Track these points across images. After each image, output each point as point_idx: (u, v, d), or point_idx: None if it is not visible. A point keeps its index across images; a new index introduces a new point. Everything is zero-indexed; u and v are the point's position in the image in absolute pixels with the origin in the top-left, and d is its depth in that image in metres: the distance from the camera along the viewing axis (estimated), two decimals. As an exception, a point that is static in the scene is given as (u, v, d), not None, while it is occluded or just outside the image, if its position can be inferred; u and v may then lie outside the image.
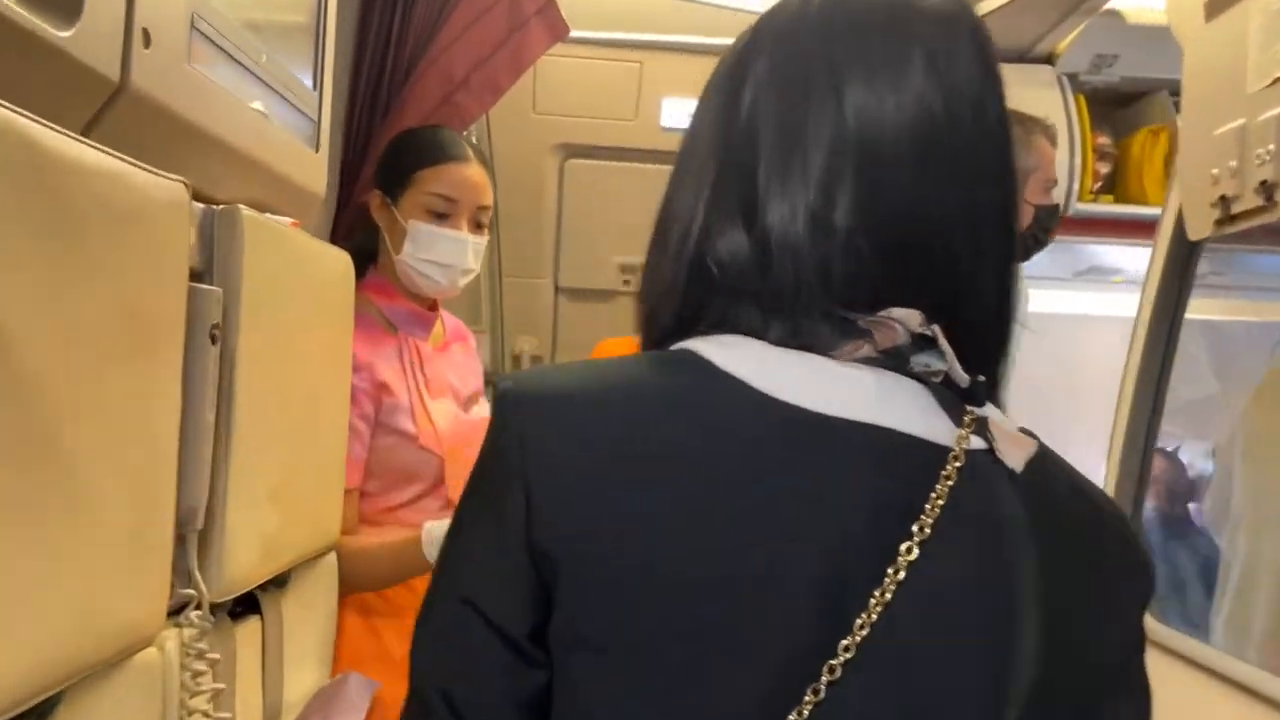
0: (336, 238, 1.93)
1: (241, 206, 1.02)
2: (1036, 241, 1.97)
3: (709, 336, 0.63)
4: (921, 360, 0.60)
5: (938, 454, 0.58)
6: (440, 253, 1.63)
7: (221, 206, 1.01)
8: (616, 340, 2.51)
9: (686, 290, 0.66)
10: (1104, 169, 2.68)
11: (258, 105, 1.13)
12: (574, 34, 2.87)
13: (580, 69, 2.86)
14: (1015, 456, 0.59)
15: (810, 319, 0.61)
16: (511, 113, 2.97)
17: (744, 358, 0.60)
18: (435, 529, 1.49)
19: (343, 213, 1.92)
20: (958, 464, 0.58)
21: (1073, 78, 2.72)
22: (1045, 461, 0.62)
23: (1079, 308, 3.55)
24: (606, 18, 2.68)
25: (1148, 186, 2.65)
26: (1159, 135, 2.65)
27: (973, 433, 0.60)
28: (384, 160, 1.74)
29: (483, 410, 1.81)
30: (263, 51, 1.14)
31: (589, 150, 3.09)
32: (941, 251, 0.62)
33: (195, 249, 0.97)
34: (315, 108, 1.34)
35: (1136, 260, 3.05)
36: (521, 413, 0.60)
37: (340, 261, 1.38)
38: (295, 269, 1.19)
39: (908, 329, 0.60)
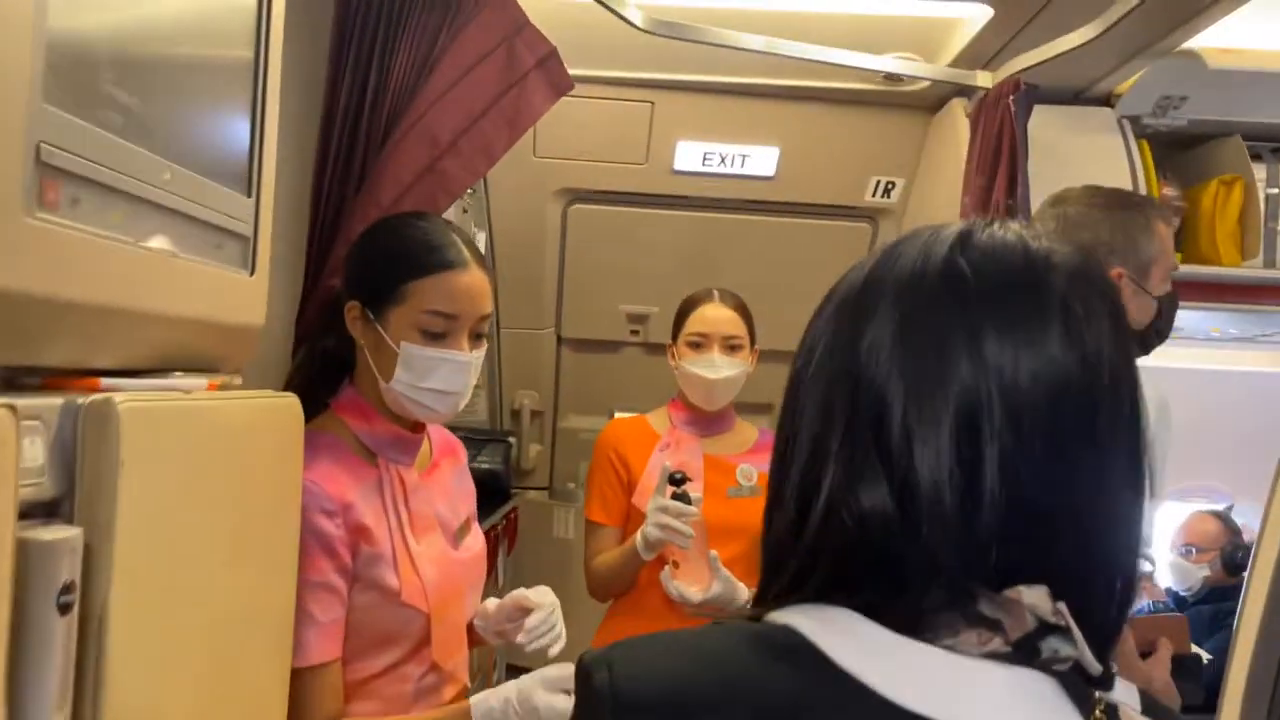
0: (301, 334, 1.65)
1: (116, 398, 0.74)
2: (1158, 334, 1.69)
3: (814, 610, 0.59)
4: (1050, 646, 0.55)
5: None
6: (440, 379, 1.35)
7: (88, 400, 0.73)
8: (629, 419, 2.24)
9: (815, 542, 0.60)
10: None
11: (158, 242, 0.85)
12: (580, 72, 2.60)
13: (587, 109, 2.59)
14: None
15: (938, 596, 0.56)
16: (511, 157, 2.68)
17: (862, 650, 0.56)
18: (484, 703, 1.32)
19: (309, 301, 1.65)
20: None
21: (1134, 120, 2.44)
22: None
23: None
24: (616, 54, 2.42)
25: (1220, 244, 2.37)
26: (1232, 186, 2.37)
27: None
28: (362, 261, 1.45)
29: (476, 541, 1.53)
30: (165, 167, 0.87)
31: (595, 195, 2.82)
32: (1071, 520, 0.57)
33: (46, 471, 0.69)
34: (250, 218, 1.07)
35: (1197, 320, 2.77)
36: None
37: (282, 413, 1.10)
38: (208, 450, 0.91)
39: (1037, 615, 0.55)
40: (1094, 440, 0.57)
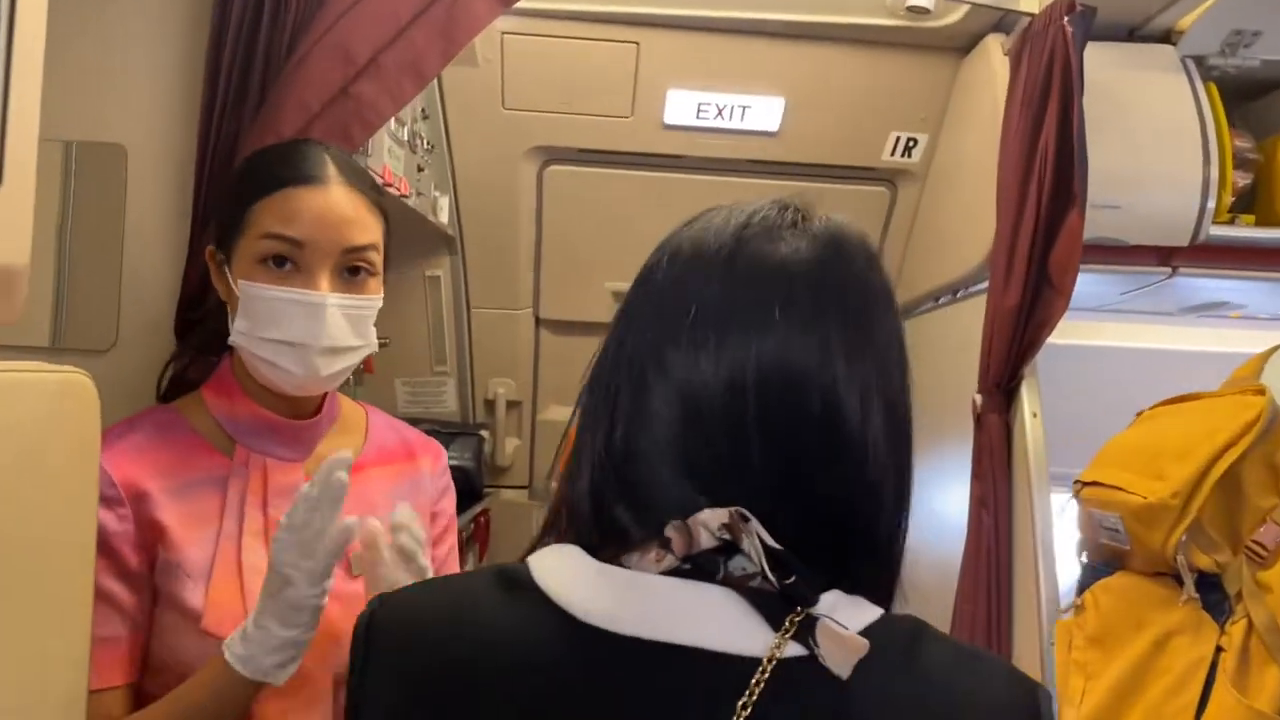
0: (184, 300, 1.33)
1: None
2: None
3: (555, 550, 0.66)
4: (738, 564, 0.61)
5: (746, 668, 0.58)
6: (284, 326, 1.03)
7: None
8: None
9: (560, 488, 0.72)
10: (1242, 180, 2.04)
11: None
12: (553, 6, 2.26)
13: (562, 52, 2.25)
14: (840, 661, 0.58)
15: (621, 519, 0.64)
16: (474, 109, 2.35)
17: (565, 579, 0.63)
18: (235, 642, 0.98)
19: (193, 260, 1.32)
20: (765, 676, 0.58)
21: (1199, 61, 2.09)
22: (890, 657, 0.60)
23: (1180, 344, 2.92)
24: (592, -15, 2.09)
25: (1300, 204, 2.03)
26: (1315, 137, 2.03)
27: (792, 638, 0.59)
28: (216, 195, 1.13)
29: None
30: None
31: (574, 155, 2.47)
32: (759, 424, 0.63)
33: None
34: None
35: (1264, 295, 2.41)
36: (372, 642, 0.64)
37: (64, 394, 0.77)
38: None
39: (711, 531, 0.60)
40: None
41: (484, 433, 2.79)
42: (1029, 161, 1.79)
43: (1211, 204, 1.96)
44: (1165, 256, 2.03)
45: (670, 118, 2.36)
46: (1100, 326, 2.75)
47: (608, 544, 0.64)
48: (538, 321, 2.78)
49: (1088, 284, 1.98)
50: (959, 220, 2.26)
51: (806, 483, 0.62)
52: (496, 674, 0.60)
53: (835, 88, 2.34)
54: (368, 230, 1.08)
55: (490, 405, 2.86)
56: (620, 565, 0.63)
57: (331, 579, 0.98)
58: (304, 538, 0.95)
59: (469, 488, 2.73)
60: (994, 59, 2.09)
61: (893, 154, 2.45)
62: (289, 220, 1.02)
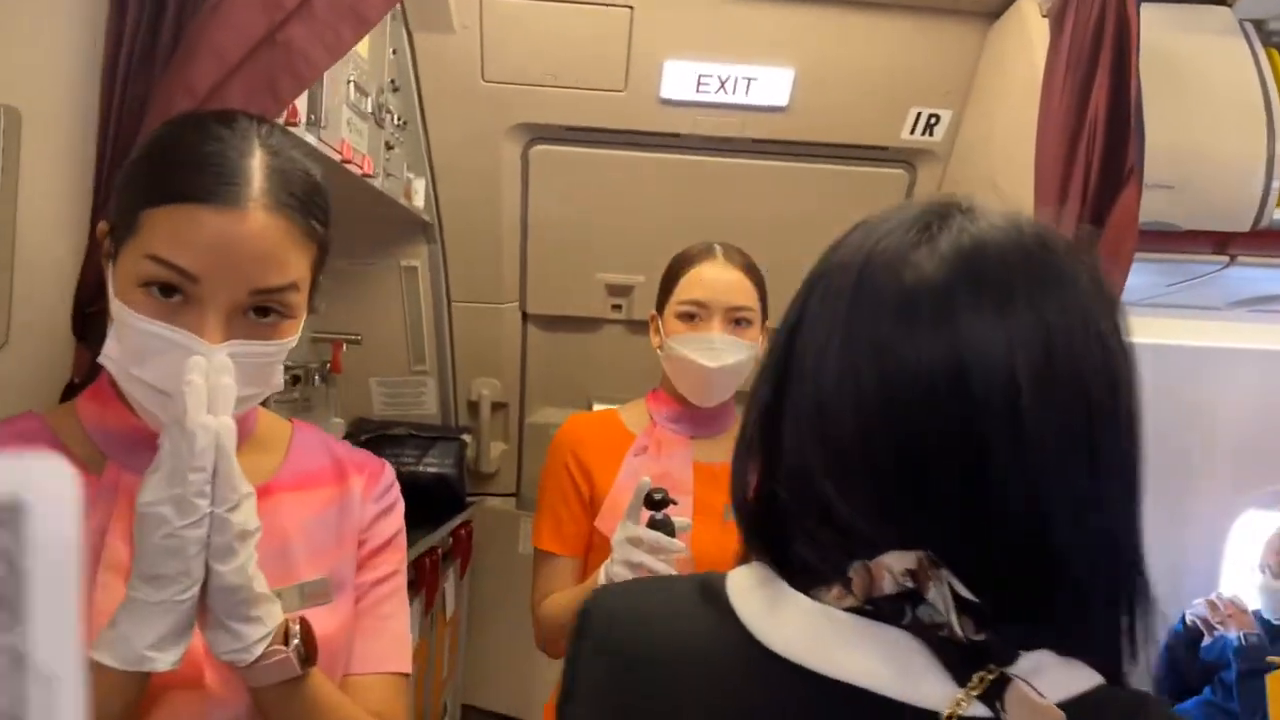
0: (81, 303, 1.12)
1: None
2: None
3: (755, 566, 0.65)
4: (926, 611, 0.56)
5: None
6: (157, 366, 0.81)
7: None
8: (596, 414, 1.69)
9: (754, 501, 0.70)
10: (1308, 158, 1.82)
11: None
12: (537, -32, 2.04)
13: (547, 18, 2.03)
14: None
15: (801, 552, 0.62)
16: (451, 81, 2.13)
17: (753, 600, 0.63)
18: (102, 633, 0.79)
19: (95, 252, 1.12)
20: None
21: (1258, 25, 1.87)
22: None
23: (1219, 340, 2.70)
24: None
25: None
26: (1390, 109, 1.80)
27: (979, 697, 0.54)
28: (121, 172, 0.91)
29: (317, 617, 0.95)
30: None
31: (562, 132, 2.25)
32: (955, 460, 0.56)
33: None
34: None
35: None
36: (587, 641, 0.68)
37: None
38: None
39: (895, 576, 0.57)
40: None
41: (466, 437, 2.57)
42: (1074, 135, 1.57)
43: (1277, 185, 1.74)
44: (1222, 243, 1.82)
45: (667, 91, 2.14)
46: (1143, 323, 2.53)
47: (792, 575, 0.62)
48: (524, 316, 2.57)
49: (1132, 274, 1.77)
50: (989, 202, 2.04)
51: (1037, 517, 0.56)
52: (681, 682, 0.62)
53: (850, 58, 2.12)
54: (287, 268, 0.83)
55: (474, 407, 2.64)
56: (810, 594, 0.60)
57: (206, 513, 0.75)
58: (171, 467, 0.74)
59: (451, 496, 2.52)
60: (1030, 22, 1.86)
61: (912, 132, 2.22)
62: (183, 246, 0.79)
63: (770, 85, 2.13)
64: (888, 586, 0.57)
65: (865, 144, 2.26)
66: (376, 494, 1.01)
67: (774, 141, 2.25)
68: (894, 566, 0.56)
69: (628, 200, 2.33)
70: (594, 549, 1.55)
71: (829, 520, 0.59)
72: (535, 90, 2.15)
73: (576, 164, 2.28)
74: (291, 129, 1.43)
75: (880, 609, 0.57)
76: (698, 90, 2.13)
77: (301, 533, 0.92)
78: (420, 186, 2.22)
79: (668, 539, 1.34)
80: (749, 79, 2.12)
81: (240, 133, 0.85)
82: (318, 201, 0.87)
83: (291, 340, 0.86)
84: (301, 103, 1.50)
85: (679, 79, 2.12)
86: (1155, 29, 1.75)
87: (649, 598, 0.69)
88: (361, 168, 1.75)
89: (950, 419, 0.55)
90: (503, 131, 2.21)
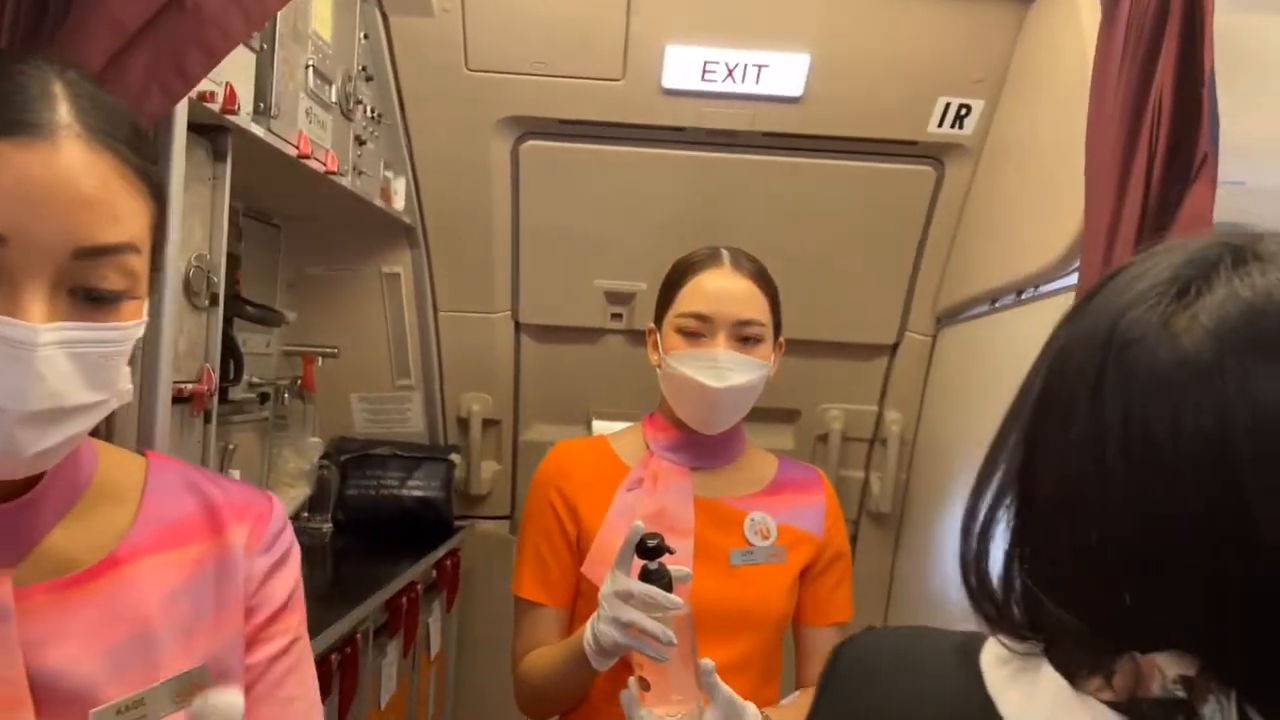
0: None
1: None
2: None
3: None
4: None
5: None
6: None
7: None
8: (584, 442, 1.50)
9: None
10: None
11: None
12: (526, -56, 1.85)
13: (537, 1, 1.84)
14: None
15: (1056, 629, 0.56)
16: (431, 70, 1.94)
17: (1005, 673, 0.60)
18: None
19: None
20: None
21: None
22: None
23: None
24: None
25: None
26: None
27: None
28: None
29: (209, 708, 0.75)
30: None
31: (555, 127, 2.05)
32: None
33: None
34: None
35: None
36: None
37: None
38: None
39: (1165, 681, 0.51)
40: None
41: (455, 456, 2.38)
42: (1133, 123, 1.36)
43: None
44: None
45: (670, 80, 1.95)
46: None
47: (1052, 654, 0.57)
48: (517, 326, 2.37)
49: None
50: (1027, 204, 1.84)
51: None
52: None
53: (871, 43, 1.92)
54: (121, 221, 0.63)
55: (464, 424, 2.45)
56: (1070, 680, 0.56)
57: None
58: None
59: (437, 521, 2.33)
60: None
61: (940, 125, 2.02)
62: None
63: (783, 73, 1.93)
64: (1156, 689, 0.52)
65: (888, 138, 2.06)
66: (265, 543, 0.79)
67: (787, 135, 2.05)
68: (1167, 669, 0.51)
69: (628, 201, 2.14)
70: (582, 596, 1.36)
71: (1093, 606, 0.53)
72: (524, 80, 1.95)
73: (571, 161, 2.09)
74: (230, 117, 1.24)
75: (1144, 712, 0.52)
76: (703, 79, 1.94)
77: (167, 609, 0.71)
78: (400, 187, 2.03)
79: (662, 594, 1.15)
80: (760, 66, 1.93)
81: (35, 66, 0.65)
82: (146, 141, 0.67)
83: (138, 326, 0.65)
84: (246, 88, 1.31)
85: (682, 66, 1.93)
86: (1220, 10, 1.55)
87: (900, 644, 0.69)
88: (325, 164, 1.56)
89: (1224, 502, 0.47)
90: (490, 126, 2.02)
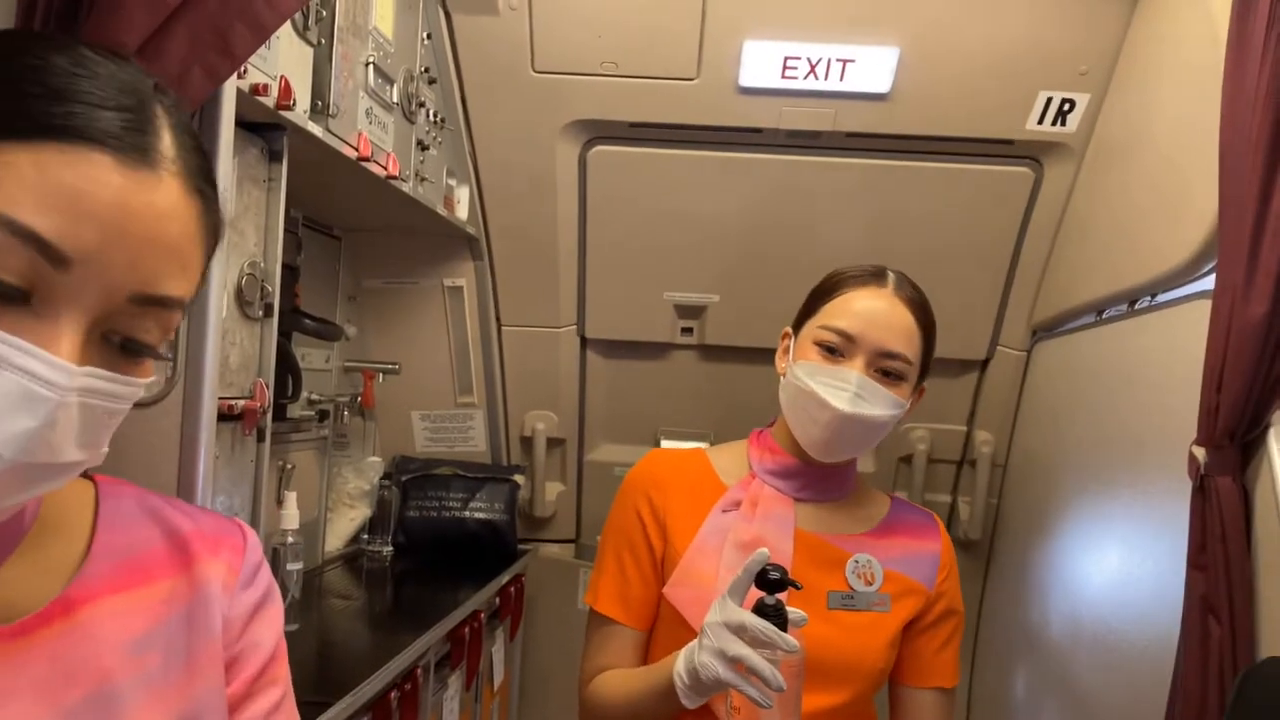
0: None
1: None
2: None
3: None
4: None
5: None
6: None
7: None
8: (681, 453, 1.38)
9: None
10: None
11: None
12: (595, -62, 1.76)
13: (607, -2, 1.75)
14: None
15: None
16: (496, 72, 1.86)
17: None
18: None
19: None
20: None
21: None
22: None
23: None
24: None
25: None
26: None
27: None
28: None
29: None
30: None
31: (625, 130, 1.95)
32: None
33: None
34: None
35: None
36: None
37: None
38: None
39: None
40: None
41: (519, 477, 2.28)
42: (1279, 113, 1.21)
43: None
44: None
45: (748, 79, 1.83)
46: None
47: None
48: (583, 342, 2.27)
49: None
50: (1143, 205, 1.67)
51: None
52: None
53: (964, 34, 1.78)
54: (187, 273, 0.54)
55: (527, 443, 2.35)
56: None
57: None
58: None
59: (501, 545, 2.23)
60: (1198, -22, 1.51)
61: (1040, 122, 1.87)
62: (59, 207, 0.48)
63: (870, 68, 1.81)
64: None
65: (982, 137, 1.91)
66: (244, 578, 0.67)
67: (872, 136, 1.92)
68: None
69: (701, 208, 2.02)
70: (662, 621, 1.24)
71: None
72: (593, 81, 1.85)
73: (642, 166, 1.98)
74: (285, 114, 1.15)
75: None
76: (783, 76, 1.82)
77: (131, 661, 0.60)
78: (464, 195, 1.94)
79: (779, 633, 1.03)
80: (844, 61, 1.80)
81: (129, 69, 0.55)
82: (212, 181, 0.58)
83: (141, 387, 0.55)
84: (302, 84, 1.22)
85: (761, 63, 1.81)
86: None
87: None
88: (386, 168, 1.47)
89: None
90: (556, 130, 1.92)
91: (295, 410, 1.83)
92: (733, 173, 1.98)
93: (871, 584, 1.24)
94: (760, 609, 1.04)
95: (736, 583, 1.06)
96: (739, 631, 1.04)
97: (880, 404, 1.17)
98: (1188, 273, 1.49)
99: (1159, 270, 1.55)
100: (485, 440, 2.31)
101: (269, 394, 1.20)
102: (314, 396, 1.89)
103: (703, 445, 1.33)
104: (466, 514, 2.22)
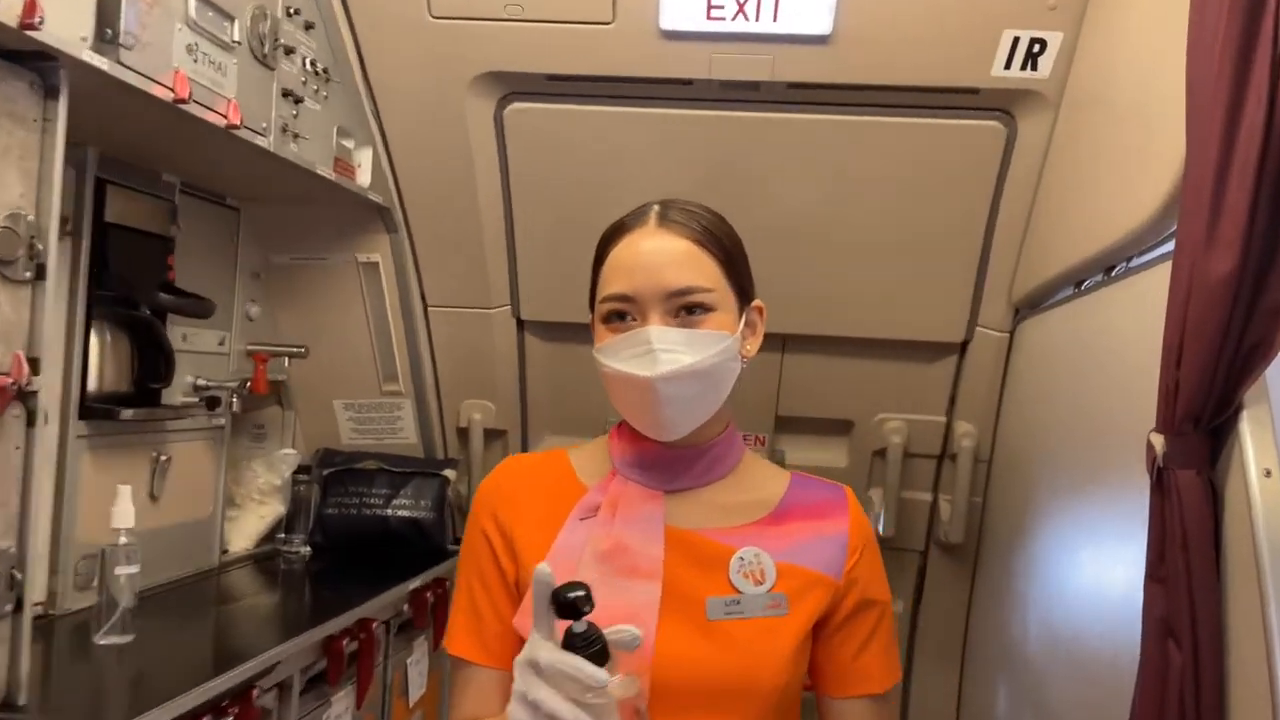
0: None
1: None
2: None
3: None
4: None
5: None
6: None
7: None
8: (536, 458, 1.19)
9: None
10: None
11: None
12: None
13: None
14: None
15: None
16: (390, 19, 1.67)
17: None
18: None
19: None
20: None
21: None
22: None
23: None
24: None
25: None
26: None
27: None
28: None
29: None
30: None
31: (541, 84, 1.75)
32: None
33: None
34: None
35: None
36: None
37: None
38: None
39: None
40: None
41: (450, 472, 2.10)
42: (1247, 39, 0.98)
43: None
44: None
45: (669, 20, 1.62)
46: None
47: None
48: (520, 324, 2.07)
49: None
50: (1115, 158, 1.44)
51: None
52: None
53: (917, -35, 1.56)
54: None
55: (464, 435, 2.16)
56: None
57: None
58: None
59: (426, 546, 2.05)
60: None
61: (1008, 66, 1.63)
62: None
63: (805, 6, 1.59)
64: None
65: (944, 85, 1.68)
66: None
67: (819, 86, 1.70)
68: None
69: (635, 171, 1.82)
70: None
71: None
72: (499, 27, 1.66)
73: (566, 125, 1.78)
74: (57, 44, 0.98)
75: None
76: (709, 17, 1.61)
77: None
78: (364, 158, 1.76)
79: (580, 668, 0.82)
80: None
81: None
82: None
83: None
84: (81, 8, 1.05)
85: (683, 3, 1.60)
86: None
87: None
88: (226, 115, 1.29)
89: None
90: (464, 84, 1.73)
91: (175, 396, 1.66)
92: (667, 132, 1.77)
93: (762, 583, 1.03)
94: (569, 639, 0.84)
95: (536, 615, 0.86)
96: (538, 670, 0.84)
97: (696, 347, 0.97)
98: (1155, 232, 1.25)
99: (1127, 230, 1.31)
100: (416, 432, 2.13)
101: (26, 369, 1.02)
102: (200, 382, 1.72)
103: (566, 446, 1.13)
104: (389, 511, 2.04)
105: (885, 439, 2.12)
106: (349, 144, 1.72)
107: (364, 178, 1.76)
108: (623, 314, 1.01)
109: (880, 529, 2.17)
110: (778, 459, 2.21)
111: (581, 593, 0.86)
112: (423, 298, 2.01)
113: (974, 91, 1.68)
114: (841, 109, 1.73)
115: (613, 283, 1.02)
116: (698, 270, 0.99)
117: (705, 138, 1.77)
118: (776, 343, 2.03)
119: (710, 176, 1.79)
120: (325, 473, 2.07)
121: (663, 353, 0.97)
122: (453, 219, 1.91)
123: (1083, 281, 1.60)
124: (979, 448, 2.07)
